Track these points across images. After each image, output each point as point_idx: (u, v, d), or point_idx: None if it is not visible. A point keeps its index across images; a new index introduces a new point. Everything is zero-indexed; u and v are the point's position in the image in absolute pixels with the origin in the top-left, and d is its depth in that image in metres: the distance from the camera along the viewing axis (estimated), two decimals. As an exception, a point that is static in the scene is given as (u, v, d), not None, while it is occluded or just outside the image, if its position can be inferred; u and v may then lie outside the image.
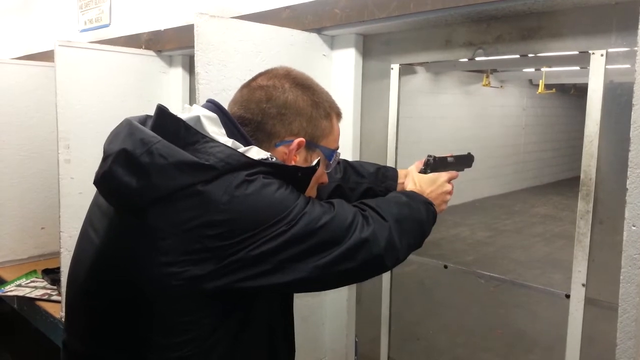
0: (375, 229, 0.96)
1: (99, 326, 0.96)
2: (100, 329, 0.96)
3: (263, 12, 1.84)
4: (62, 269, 2.02)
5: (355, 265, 0.93)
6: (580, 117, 1.42)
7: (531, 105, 9.10)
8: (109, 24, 2.76)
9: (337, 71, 1.86)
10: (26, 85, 2.73)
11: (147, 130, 0.90)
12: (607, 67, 1.30)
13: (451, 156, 1.35)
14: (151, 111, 0.98)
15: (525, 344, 1.82)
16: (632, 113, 0.95)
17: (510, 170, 8.73)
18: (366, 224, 0.96)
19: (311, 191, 1.04)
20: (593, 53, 1.31)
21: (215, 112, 0.97)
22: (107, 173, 0.89)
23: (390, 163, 1.82)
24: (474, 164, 1.43)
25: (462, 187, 1.33)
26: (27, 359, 2.91)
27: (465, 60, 1.65)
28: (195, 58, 1.49)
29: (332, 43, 1.85)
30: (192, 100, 2.41)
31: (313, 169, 0.99)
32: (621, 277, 0.96)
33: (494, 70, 7.13)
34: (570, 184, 9.55)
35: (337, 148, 1.11)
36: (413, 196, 1.15)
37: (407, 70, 1.80)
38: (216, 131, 0.94)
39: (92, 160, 2.11)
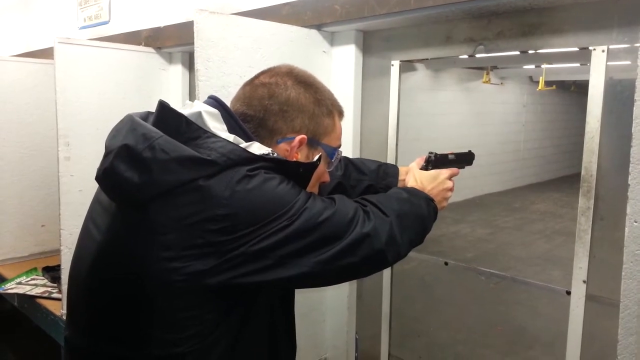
0: (377, 224, 0.96)
1: (101, 322, 0.96)
2: (102, 325, 0.96)
3: (263, 8, 1.84)
4: (62, 267, 2.02)
5: (356, 261, 0.93)
6: (580, 114, 1.42)
7: (531, 102, 9.10)
8: (109, 21, 2.75)
9: (337, 68, 1.86)
10: (26, 82, 2.72)
11: (149, 125, 0.91)
12: (609, 63, 1.30)
13: (452, 153, 1.36)
14: (151, 108, 0.98)
15: (526, 340, 1.82)
16: (634, 109, 0.95)
17: (510, 167, 8.73)
18: (367, 219, 0.96)
19: (312, 189, 1.04)
20: (594, 49, 1.31)
21: (216, 108, 0.97)
22: (109, 169, 0.89)
23: (390, 160, 1.81)
24: (474, 162, 1.43)
25: (463, 184, 1.33)
26: (28, 356, 2.91)
27: (466, 57, 1.65)
28: (195, 55, 1.48)
29: (332, 39, 1.85)
30: (192, 97, 2.41)
31: (314, 165, 0.99)
32: (623, 274, 0.96)
33: (494, 67, 7.12)
34: (570, 180, 9.55)
35: (339, 146, 1.11)
36: (414, 192, 1.15)
37: (406, 67, 1.79)
38: (217, 127, 0.94)
39: (92, 157, 2.11)
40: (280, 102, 1.00)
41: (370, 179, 1.36)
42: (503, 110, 8.35)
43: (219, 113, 0.96)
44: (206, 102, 0.99)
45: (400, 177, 1.36)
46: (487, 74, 7.05)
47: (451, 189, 1.27)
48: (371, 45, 1.83)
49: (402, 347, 1.93)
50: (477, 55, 1.58)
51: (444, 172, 1.27)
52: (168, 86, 2.46)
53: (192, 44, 1.49)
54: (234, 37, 1.56)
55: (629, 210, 0.95)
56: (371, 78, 1.85)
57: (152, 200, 0.87)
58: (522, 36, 1.45)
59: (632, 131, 0.96)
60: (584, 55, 1.39)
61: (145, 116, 0.97)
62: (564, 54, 1.48)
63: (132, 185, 0.87)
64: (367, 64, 1.84)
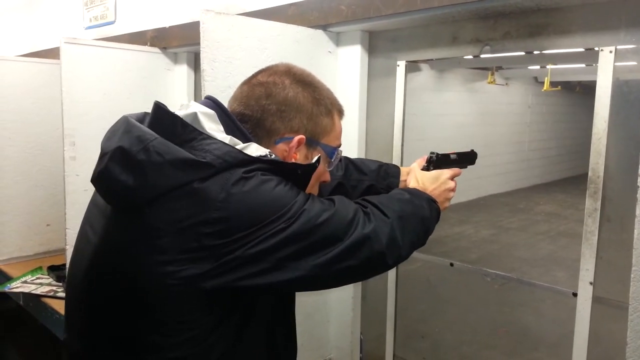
0: (377, 225, 0.95)
1: (97, 326, 0.95)
2: (98, 329, 0.95)
3: (268, 8, 1.84)
4: (67, 266, 2.02)
5: (356, 263, 0.91)
6: (585, 115, 1.42)
7: (536, 103, 9.07)
8: (114, 21, 2.76)
9: (342, 68, 1.86)
10: (32, 82, 2.73)
11: (144, 127, 0.89)
12: (616, 64, 1.29)
13: (454, 153, 1.34)
14: None
15: (532, 341, 1.82)
16: (643, 110, 0.94)
17: (514, 168, 8.71)
18: (367, 221, 0.94)
19: (312, 189, 1.03)
20: (602, 50, 1.30)
21: (213, 109, 0.95)
22: (103, 171, 0.88)
23: (396, 161, 1.81)
24: (477, 161, 1.42)
25: (467, 185, 1.32)
26: (33, 355, 2.92)
27: (471, 57, 1.64)
28: (201, 55, 1.49)
29: (338, 40, 1.85)
30: (197, 97, 2.41)
31: (313, 167, 0.97)
32: (632, 276, 0.95)
33: (499, 68, 7.11)
34: (575, 181, 9.53)
35: (339, 146, 1.09)
36: (416, 193, 1.13)
37: (411, 67, 1.79)
38: (214, 128, 0.92)
39: (97, 157, 2.11)
40: (277, 102, 0.98)
41: (371, 179, 1.34)
42: (508, 111, 8.34)
43: (215, 114, 0.95)
44: (203, 103, 0.98)
45: (402, 178, 1.34)
46: (492, 74, 7.03)
47: (453, 190, 1.25)
48: (377, 45, 1.82)
49: (407, 348, 1.93)
50: (483, 56, 1.58)
51: (446, 173, 1.25)
52: (173, 86, 2.46)
53: (198, 44, 1.49)
54: (240, 38, 1.56)
55: (638, 211, 0.95)
56: (377, 78, 1.84)
57: (147, 204, 0.85)
58: (529, 37, 1.45)
59: (641, 132, 0.95)
60: (590, 56, 1.39)
61: (142, 117, 0.95)
62: (571, 54, 1.47)
63: (126, 188, 0.86)
64: (373, 64, 1.84)
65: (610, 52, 1.28)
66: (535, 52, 1.50)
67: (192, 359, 0.89)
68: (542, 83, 7.00)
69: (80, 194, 2.06)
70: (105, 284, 0.93)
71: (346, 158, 1.36)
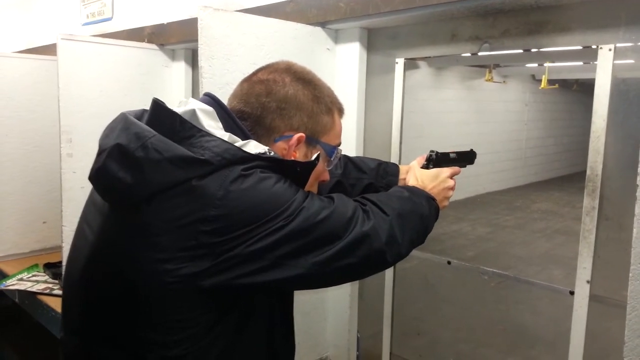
0: (376, 223, 0.94)
1: (95, 324, 0.95)
2: (96, 327, 0.95)
3: (267, 5, 1.83)
4: (63, 263, 2.00)
5: (355, 261, 0.91)
6: (582, 113, 1.42)
7: (533, 101, 9.08)
8: (112, 18, 2.74)
9: (341, 65, 1.85)
10: (28, 79, 2.72)
11: (143, 124, 0.89)
12: (615, 62, 1.29)
13: (453, 152, 1.34)
14: None
15: (528, 340, 1.82)
16: (642, 109, 0.94)
17: (511, 166, 8.72)
18: (367, 218, 0.94)
19: (311, 188, 1.02)
20: (601, 48, 1.30)
21: (211, 106, 0.94)
22: (101, 168, 0.87)
23: (394, 158, 1.81)
24: (475, 161, 1.42)
25: (464, 183, 1.32)
26: (29, 352, 2.91)
27: (468, 55, 1.64)
28: (199, 52, 1.48)
29: (337, 37, 1.84)
30: (195, 94, 2.40)
31: (312, 164, 0.97)
32: (630, 275, 0.95)
33: (496, 65, 7.10)
34: (572, 179, 9.56)
35: (339, 144, 1.09)
36: (415, 191, 1.13)
37: (409, 65, 1.78)
38: (212, 125, 0.92)
39: (94, 154, 2.08)
40: (277, 100, 0.98)
41: (370, 178, 1.33)
42: (505, 109, 8.34)
43: (214, 111, 0.94)
44: (202, 100, 0.97)
45: (401, 176, 1.33)
46: (490, 72, 7.03)
47: (452, 188, 1.25)
48: (376, 42, 1.82)
49: (404, 346, 1.93)
50: (481, 53, 1.58)
51: (445, 171, 1.25)
52: (171, 83, 2.45)
53: (196, 41, 1.49)
54: (238, 35, 1.55)
55: (637, 210, 0.95)
56: (375, 76, 1.84)
57: (145, 201, 0.85)
58: (528, 34, 1.45)
59: (640, 131, 0.95)
60: (589, 54, 1.39)
61: (140, 114, 0.94)
62: (568, 51, 1.47)
63: (124, 186, 0.85)
64: (372, 61, 1.84)
65: (610, 49, 1.28)
66: (534, 50, 1.50)
67: (190, 357, 0.88)
68: (540, 81, 7.00)
69: (77, 191, 2.05)
70: (102, 282, 0.92)
71: (345, 156, 1.36)
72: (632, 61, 1.29)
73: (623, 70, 1.30)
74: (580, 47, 1.39)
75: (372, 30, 1.81)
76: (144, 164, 0.84)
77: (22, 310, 2.47)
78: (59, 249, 2.27)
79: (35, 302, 2.32)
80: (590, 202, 1.35)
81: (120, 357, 0.92)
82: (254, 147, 0.91)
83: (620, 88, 1.30)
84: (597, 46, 1.31)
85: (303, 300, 1.87)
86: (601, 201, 1.34)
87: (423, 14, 1.55)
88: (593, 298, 1.37)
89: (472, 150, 1.41)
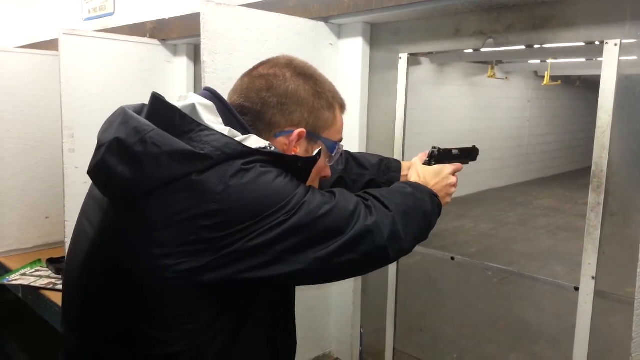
0: (378, 218, 0.93)
1: (94, 320, 0.94)
2: (96, 323, 0.94)
3: (270, 0, 1.82)
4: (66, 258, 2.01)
5: (357, 257, 0.90)
6: (585, 110, 1.41)
7: (536, 97, 9.05)
8: (113, 13, 2.73)
9: (344, 60, 1.84)
10: (30, 74, 2.71)
11: (142, 118, 0.88)
12: (621, 58, 1.28)
13: (456, 149, 1.33)
14: None
15: (532, 335, 1.82)
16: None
17: (514, 162, 8.70)
18: (369, 214, 0.93)
19: (313, 184, 1.01)
20: (606, 43, 1.29)
21: (212, 101, 0.94)
22: (100, 163, 0.87)
23: (397, 155, 1.80)
24: (478, 157, 1.41)
25: (466, 179, 1.31)
26: (32, 347, 2.92)
27: (471, 51, 1.63)
28: (202, 46, 1.47)
29: (340, 32, 1.83)
30: (197, 89, 2.40)
31: (314, 159, 0.96)
32: (638, 270, 0.94)
33: (499, 62, 7.07)
34: (574, 176, 9.53)
35: (341, 140, 1.07)
36: (418, 187, 1.12)
37: (411, 61, 1.77)
38: (212, 119, 0.91)
39: (96, 149, 2.10)
40: (278, 95, 0.97)
41: (372, 174, 1.32)
42: (507, 105, 8.31)
43: (214, 105, 0.93)
44: (201, 94, 0.96)
45: (403, 172, 1.32)
46: (492, 68, 7.00)
47: (455, 185, 1.24)
48: (379, 37, 1.81)
49: (407, 342, 1.93)
50: (484, 50, 1.57)
51: (448, 168, 1.24)
52: (173, 78, 2.45)
53: (198, 36, 1.48)
54: (241, 29, 1.54)
55: (643, 206, 0.94)
56: (378, 71, 1.83)
57: (144, 196, 0.84)
58: (533, 29, 1.44)
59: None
60: (593, 50, 1.38)
61: (140, 109, 0.93)
62: (572, 47, 1.46)
63: (123, 180, 0.84)
64: (375, 56, 1.83)
65: (615, 45, 1.27)
66: (537, 46, 1.49)
67: (191, 353, 0.88)
68: (542, 77, 6.97)
69: (79, 186, 2.05)
70: (102, 277, 0.92)
71: (347, 152, 1.34)
72: (636, 57, 1.28)
73: (628, 66, 1.29)
74: (583, 43, 1.38)
75: (376, 25, 1.80)
76: (143, 158, 0.83)
77: (25, 305, 2.47)
78: (61, 244, 2.27)
79: (39, 297, 2.32)
80: (595, 198, 1.35)
81: (120, 353, 0.91)
82: (254, 141, 0.90)
83: (626, 83, 1.29)
84: (603, 41, 1.30)
85: (306, 296, 1.87)
86: (606, 197, 1.33)
87: (426, 9, 1.54)
88: (598, 294, 1.37)
89: (474, 146, 1.40)
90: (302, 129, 0.98)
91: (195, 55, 2.43)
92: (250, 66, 1.06)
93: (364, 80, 1.83)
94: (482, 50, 1.58)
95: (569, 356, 1.43)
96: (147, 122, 0.87)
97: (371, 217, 0.93)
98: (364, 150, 1.88)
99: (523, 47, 1.52)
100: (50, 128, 2.70)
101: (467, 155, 1.36)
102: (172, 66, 2.44)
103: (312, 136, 1.00)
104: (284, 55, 1.04)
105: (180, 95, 0.97)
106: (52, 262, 2.57)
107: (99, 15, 2.84)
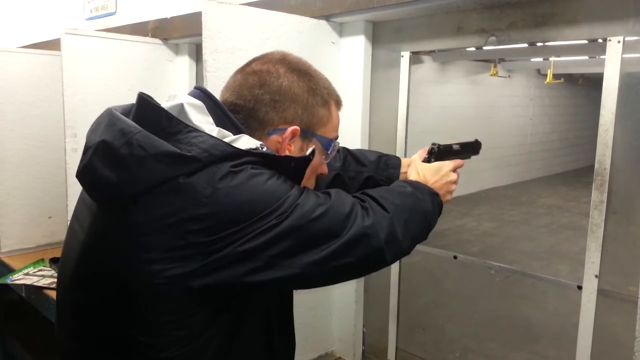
0: (376, 220, 0.90)
1: (86, 325, 0.93)
2: (88, 328, 0.93)
3: (271, -2, 1.82)
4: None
5: (353, 261, 0.87)
6: (588, 108, 1.41)
7: (539, 95, 9.03)
8: (115, 12, 2.74)
9: (345, 59, 1.84)
10: (32, 74, 2.71)
11: (128, 120, 0.85)
12: (624, 55, 1.27)
13: (456, 144, 1.29)
14: (158, 100, 0.93)
15: (535, 334, 1.81)
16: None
17: (516, 161, 8.68)
18: (366, 215, 0.90)
19: (308, 183, 0.99)
20: (610, 40, 1.28)
21: (202, 100, 0.91)
22: (87, 166, 0.85)
23: (399, 153, 1.80)
24: (479, 156, 1.38)
25: (469, 178, 1.30)
26: (36, 346, 2.92)
27: (473, 49, 1.63)
28: (203, 45, 1.47)
29: (341, 30, 1.83)
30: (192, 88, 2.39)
31: (307, 159, 0.92)
32: (641, 269, 0.93)
33: (501, 60, 7.06)
34: (577, 174, 9.52)
35: (337, 137, 1.04)
36: (418, 186, 1.09)
37: (413, 59, 1.77)
38: (201, 119, 0.88)
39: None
40: (271, 92, 0.94)
41: (370, 171, 1.29)
42: (510, 104, 8.30)
43: (204, 105, 0.90)
44: (191, 94, 0.94)
45: (402, 169, 1.29)
46: (495, 66, 6.99)
47: (455, 182, 1.21)
48: (381, 36, 1.81)
49: (410, 341, 1.93)
50: (486, 48, 1.56)
51: (448, 164, 1.21)
52: (175, 78, 2.45)
53: (199, 35, 1.48)
54: (243, 28, 1.54)
55: (646, 204, 0.93)
56: (380, 69, 1.83)
57: (132, 200, 0.82)
58: (535, 27, 1.43)
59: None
60: (595, 47, 1.37)
61: (129, 109, 0.91)
62: (575, 45, 1.45)
63: (110, 184, 0.82)
64: (377, 55, 1.82)
65: (619, 42, 1.27)
66: (540, 44, 1.48)
67: (183, 358, 0.86)
68: (545, 75, 6.95)
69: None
70: (92, 283, 0.90)
71: (345, 149, 1.31)
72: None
73: (632, 64, 1.28)
74: (586, 41, 1.37)
75: (377, 24, 1.80)
76: (129, 161, 0.81)
77: (29, 304, 2.48)
78: (64, 244, 2.27)
79: (42, 296, 2.33)
80: (598, 196, 1.34)
81: (111, 358, 0.90)
82: (245, 142, 0.87)
83: (629, 81, 1.29)
84: (606, 39, 1.29)
85: (308, 295, 1.86)
86: (609, 195, 1.33)
87: (428, 7, 1.54)
88: (601, 292, 1.36)
89: (476, 140, 1.36)
90: (296, 127, 0.95)
91: (197, 54, 2.43)
92: (252, 65, 1.04)
93: (366, 78, 1.82)
94: (485, 48, 1.57)
95: (572, 355, 1.42)
96: (133, 124, 0.84)
97: (368, 219, 0.90)
98: (366, 149, 1.87)
99: (525, 45, 1.51)
100: (53, 128, 2.70)
101: (469, 149, 1.33)
102: (174, 65, 2.44)
103: (307, 134, 0.97)
104: (278, 51, 1.01)
105: (169, 94, 0.94)
106: (55, 262, 2.57)
107: (101, 14, 2.84)
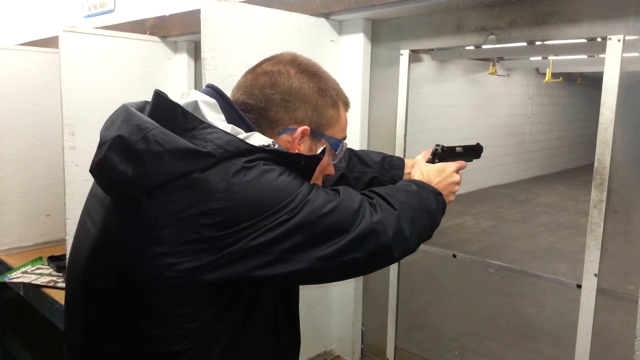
0: (383, 217, 0.92)
1: (98, 319, 0.94)
2: (99, 322, 0.94)
3: (270, -4, 1.81)
4: (67, 256, 2.01)
5: (361, 256, 0.89)
6: (587, 107, 1.40)
7: (537, 94, 9.03)
8: (114, 10, 2.73)
9: (345, 57, 1.83)
10: (31, 71, 2.71)
11: (144, 116, 0.87)
12: (624, 54, 1.27)
13: (459, 146, 1.32)
14: None
15: (534, 333, 1.81)
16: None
17: (515, 160, 8.69)
18: (374, 212, 0.92)
19: (316, 182, 1.01)
20: (610, 39, 1.28)
21: (214, 98, 0.93)
22: (102, 161, 0.86)
23: (398, 152, 1.79)
24: (481, 155, 1.40)
25: (467, 177, 1.30)
26: (34, 344, 2.92)
27: (472, 47, 1.62)
28: (202, 43, 1.46)
29: (340, 28, 1.82)
30: (197, 86, 2.39)
31: (318, 158, 0.95)
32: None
33: (500, 59, 7.06)
34: (575, 173, 9.53)
35: (344, 138, 1.07)
36: (423, 185, 1.11)
37: (413, 57, 1.76)
38: (215, 117, 0.90)
39: (97, 146, 2.10)
40: (282, 92, 0.96)
41: (375, 171, 1.32)
42: (509, 102, 8.30)
43: (217, 103, 0.92)
44: (204, 91, 0.95)
45: (406, 170, 1.32)
46: (494, 65, 6.99)
47: (458, 183, 1.24)
48: (380, 34, 1.80)
49: (409, 340, 1.93)
50: (486, 47, 1.56)
51: (451, 166, 1.24)
52: (173, 75, 2.44)
53: (198, 32, 1.47)
54: (241, 26, 1.53)
55: (646, 203, 0.93)
56: (380, 68, 1.82)
57: (147, 194, 0.84)
58: (535, 25, 1.43)
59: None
60: (596, 46, 1.37)
61: (142, 106, 0.93)
62: (574, 44, 1.45)
63: (125, 179, 0.83)
64: (376, 53, 1.82)
65: (619, 40, 1.26)
66: (540, 42, 1.48)
67: (194, 352, 0.87)
68: (544, 74, 6.95)
69: (80, 184, 2.05)
70: (104, 276, 0.91)
71: (349, 149, 1.34)
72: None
73: (632, 62, 1.28)
74: (586, 40, 1.37)
75: (377, 22, 1.79)
76: (145, 156, 0.82)
77: (27, 303, 2.48)
78: (62, 241, 2.27)
79: (40, 294, 2.32)
80: (597, 195, 1.34)
81: (122, 351, 0.91)
82: (257, 139, 0.89)
83: (629, 79, 1.28)
84: (606, 37, 1.29)
85: (308, 294, 1.86)
86: (609, 194, 1.33)
87: (428, 5, 1.53)
88: (600, 291, 1.36)
89: (478, 144, 1.40)
90: (306, 127, 0.97)
91: (195, 52, 2.42)
92: (251, 63, 1.05)
93: (365, 76, 1.82)
94: (484, 46, 1.57)
95: (571, 354, 1.42)
96: (149, 119, 0.86)
97: (376, 215, 0.92)
98: (365, 147, 1.87)
99: (525, 43, 1.51)
100: (51, 125, 2.70)
101: (471, 152, 1.36)
102: (172, 63, 2.44)
103: (316, 134, 1.00)
104: (288, 52, 1.03)
105: (182, 92, 0.96)
106: (53, 260, 2.57)
107: (99, 12, 2.83)
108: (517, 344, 1.83)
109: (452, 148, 1.30)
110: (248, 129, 0.93)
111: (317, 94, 0.99)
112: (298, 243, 0.85)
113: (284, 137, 0.97)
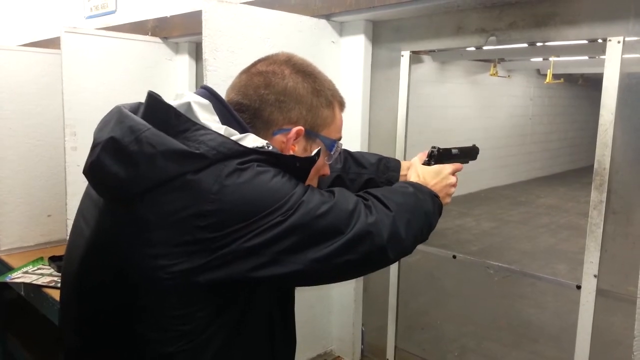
0: (379, 218, 0.92)
1: (91, 321, 0.94)
2: (93, 323, 0.94)
3: (271, -3, 1.82)
4: (68, 257, 2.02)
5: (356, 257, 0.89)
6: (588, 108, 1.41)
7: (538, 95, 9.03)
8: (115, 11, 2.73)
9: (345, 58, 1.84)
10: (32, 72, 2.71)
11: (137, 118, 0.87)
12: (624, 55, 1.27)
13: (455, 148, 1.31)
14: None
15: (533, 334, 1.82)
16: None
17: (516, 161, 8.69)
18: (369, 214, 0.91)
19: (311, 183, 1.00)
20: (610, 40, 1.28)
21: (208, 99, 0.92)
22: (95, 162, 0.86)
23: (399, 154, 1.80)
24: (478, 156, 1.40)
25: (468, 178, 1.30)
26: (35, 345, 2.93)
27: (473, 49, 1.63)
28: (203, 44, 1.47)
29: (341, 29, 1.83)
30: (198, 87, 2.40)
31: (312, 160, 0.94)
32: (640, 269, 0.94)
33: (501, 60, 7.06)
34: (576, 174, 9.52)
35: (340, 138, 1.06)
36: (419, 187, 1.11)
37: (413, 59, 1.77)
38: (208, 118, 0.90)
39: (98, 147, 2.11)
40: (276, 92, 0.95)
41: (370, 173, 1.31)
42: (510, 103, 8.30)
43: (210, 104, 0.92)
44: (198, 93, 0.95)
45: (402, 172, 1.31)
46: (494, 66, 6.99)
47: (454, 185, 1.23)
48: (381, 35, 1.81)
49: (409, 340, 1.93)
50: (486, 48, 1.56)
51: (447, 168, 1.23)
52: (175, 76, 2.45)
53: (199, 33, 1.48)
54: (243, 27, 1.54)
55: (645, 204, 0.93)
56: (380, 69, 1.83)
57: (140, 196, 0.83)
58: (535, 27, 1.43)
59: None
60: (596, 47, 1.37)
61: (136, 108, 0.92)
62: (575, 45, 1.45)
63: (118, 180, 0.83)
64: (377, 54, 1.82)
65: (619, 42, 1.27)
66: (540, 44, 1.48)
67: (188, 354, 0.87)
68: (545, 75, 6.94)
69: (81, 184, 2.03)
70: (98, 277, 0.91)
71: (345, 151, 1.33)
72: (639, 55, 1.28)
73: (632, 64, 1.28)
74: (586, 41, 1.38)
75: (377, 23, 1.80)
76: (138, 158, 0.82)
77: (28, 303, 2.48)
78: (63, 242, 2.28)
79: (41, 295, 2.33)
80: (597, 196, 1.34)
81: (117, 354, 0.91)
82: (251, 140, 0.89)
83: (629, 81, 1.29)
84: (606, 39, 1.29)
85: (308, 294, 1.86)
86: (609, 195, 1.33)
87: (428, 6, 1.54)
88: (600, 292, 1.37)
89: (474, 145, 1.39)
90: (301, 127, 0.96)
91: (197, 53, 2.43)
92: (252, 64, 1.05)
93: (366, 78, 1.82)
94: (485, 48, 1.57)
95: (571, 354, 1.43)
96: (142, 121, 0.86)
97: (371, 217, 0.91)
98: (366, 149, 1.87)
99: (525, 44, 1.51)
100: (52, 126, 2.70)
101: (467, 154, 1.35)
102: (173, 64, 2.44)
103: (311, 134, 0.99)
104: (283, 52, 1.03)
105: (176, 93, 0.96)
106: (54, 260, 2.57)
107: (101, 13, 2.84)
108: (517, 345, 1.83)
109: (448, 150, 1.30)
110: (242, 130, 0.92)
111: (312, 94, 0.98)
112: (292, 245, 0.84)
113: (279, 137, 0.96)
